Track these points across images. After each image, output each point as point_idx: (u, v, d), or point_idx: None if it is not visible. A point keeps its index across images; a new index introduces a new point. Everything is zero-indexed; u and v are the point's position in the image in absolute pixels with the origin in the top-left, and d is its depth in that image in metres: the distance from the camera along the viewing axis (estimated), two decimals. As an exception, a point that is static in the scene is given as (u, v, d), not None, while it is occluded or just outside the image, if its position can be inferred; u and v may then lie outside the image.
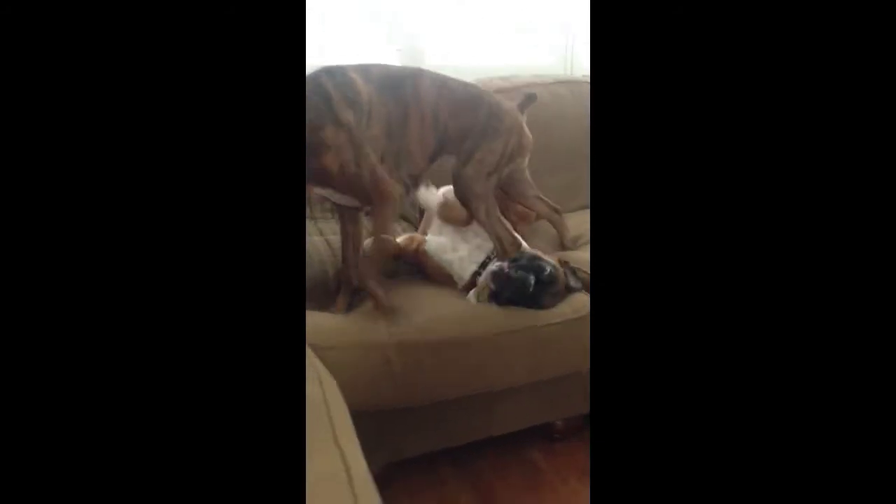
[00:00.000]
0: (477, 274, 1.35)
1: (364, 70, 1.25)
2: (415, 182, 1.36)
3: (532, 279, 1.25)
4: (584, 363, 1.34)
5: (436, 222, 1.48)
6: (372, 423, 1.24)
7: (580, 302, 1.35)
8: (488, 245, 1.37)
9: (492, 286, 1.27)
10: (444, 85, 1.32)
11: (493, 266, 1.29)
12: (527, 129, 1.41)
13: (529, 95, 1.47)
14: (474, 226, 1.41)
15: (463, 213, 1.39)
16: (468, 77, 1.94)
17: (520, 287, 1.25)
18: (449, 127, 1.31)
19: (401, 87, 1.26)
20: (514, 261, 1.29)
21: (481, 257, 1.36)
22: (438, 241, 1.43)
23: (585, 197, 1.92)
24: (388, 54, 2.00)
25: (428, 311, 1.27)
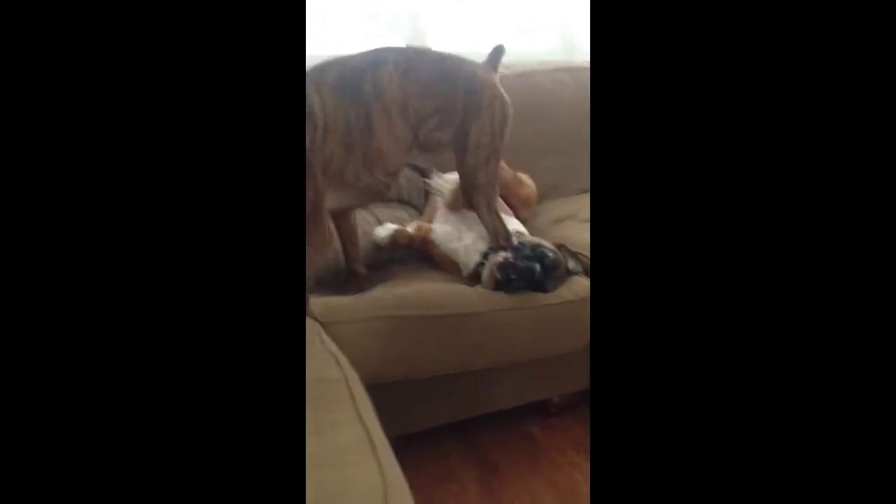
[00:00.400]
0: (481, 264, 1.39)
1: (319, 73, 1.16)
2: (394, 176, 1.31)
3: (538, 267, 1.30)
4: (579, 343, 1.40)
5: (441, 210, 1.52)
6: (380, 398, 1.29)
7: (579, 285, 1.40)
8: None
9: (498, 276, 1.31)
10: (409, 68, 1.22)
11: (499, 257, 1.33)
12: (504, 94, 1.32)
13: (497, 48, 1.35)
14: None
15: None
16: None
17: (527, 276, 1.30)
18: (420, 111, 1.24)
19: (359, 84, 1.17)
20: (517, 250, 1.33)
21: (485, 246, 1.40)
22: (444, 230, 1.47)
23: (585, 180, 1.96)
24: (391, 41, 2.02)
25: (433, 287, 1.32)
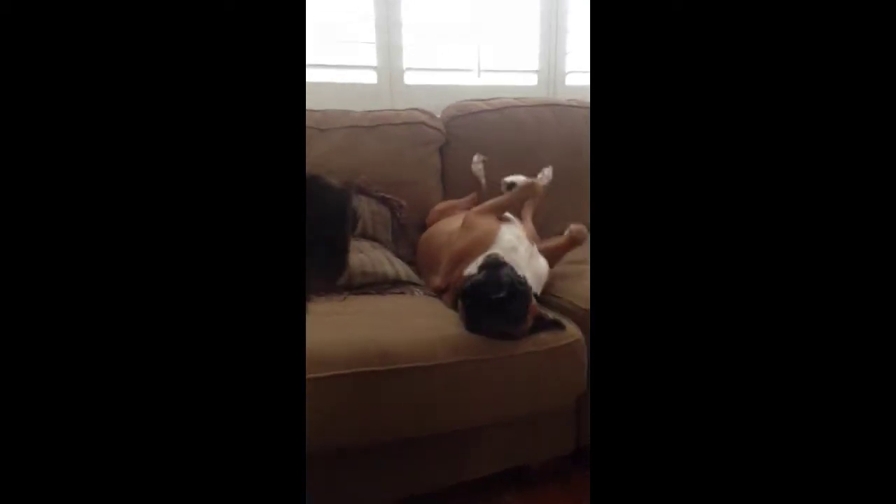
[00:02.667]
0: None
1: None
2: None
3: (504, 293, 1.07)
4: (564, 398, 1.18)
5: (518, 229, 1.36)
6: (333, 470, 1.06)
7: (564, 330, 1.17)
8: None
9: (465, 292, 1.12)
10: None
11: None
12: None
13: None
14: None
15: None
16: (449, 97, 1.81)
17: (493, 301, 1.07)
18: None
19: None
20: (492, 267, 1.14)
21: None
22: (511, 241, 1.27)
23: (572, 218, 1.78)
24: (369, 75, 1.86)
25: (390, 335, 1.08)
